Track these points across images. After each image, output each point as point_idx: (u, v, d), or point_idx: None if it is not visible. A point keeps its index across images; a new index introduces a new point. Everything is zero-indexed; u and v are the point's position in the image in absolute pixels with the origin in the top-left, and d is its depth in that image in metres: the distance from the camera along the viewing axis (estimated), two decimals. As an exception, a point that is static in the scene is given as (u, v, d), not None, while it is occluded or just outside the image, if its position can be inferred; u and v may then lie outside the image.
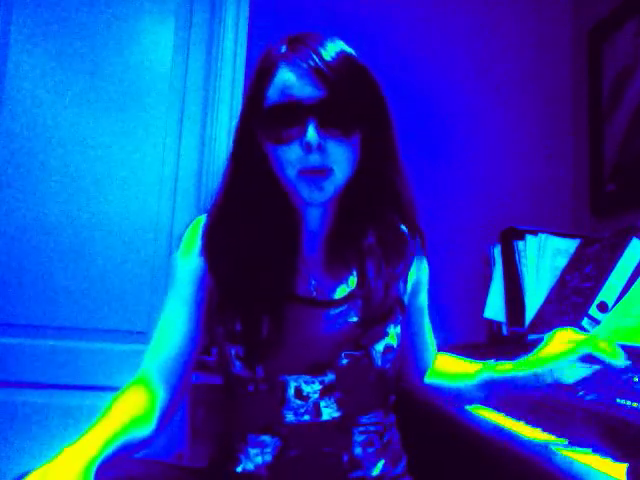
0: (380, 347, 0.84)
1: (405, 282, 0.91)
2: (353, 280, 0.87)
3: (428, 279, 1.01)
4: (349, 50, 0.82)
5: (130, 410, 0.77)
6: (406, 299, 0.92)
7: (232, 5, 1.74)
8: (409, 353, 0.98)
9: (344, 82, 0.78)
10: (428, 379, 0.99)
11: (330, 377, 0.82)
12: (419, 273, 0.96)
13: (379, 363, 0.84)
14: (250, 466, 0.83)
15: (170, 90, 1.76)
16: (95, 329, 1.64)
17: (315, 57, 0.78)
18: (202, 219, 0.91)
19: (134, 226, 1.70)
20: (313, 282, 0.87)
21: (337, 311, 0.84)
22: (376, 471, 0.85)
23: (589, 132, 1.81)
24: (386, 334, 0.85)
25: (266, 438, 0.82)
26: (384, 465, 0.86)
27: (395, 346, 0.86)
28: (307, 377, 0.81)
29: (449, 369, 0.96)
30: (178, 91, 1.77)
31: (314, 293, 0.86)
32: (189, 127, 1.76)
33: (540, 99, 1.91)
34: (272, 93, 0.80)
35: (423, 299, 0.99)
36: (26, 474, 0.62)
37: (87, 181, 1.68)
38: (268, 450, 0.82)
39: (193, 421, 1.22)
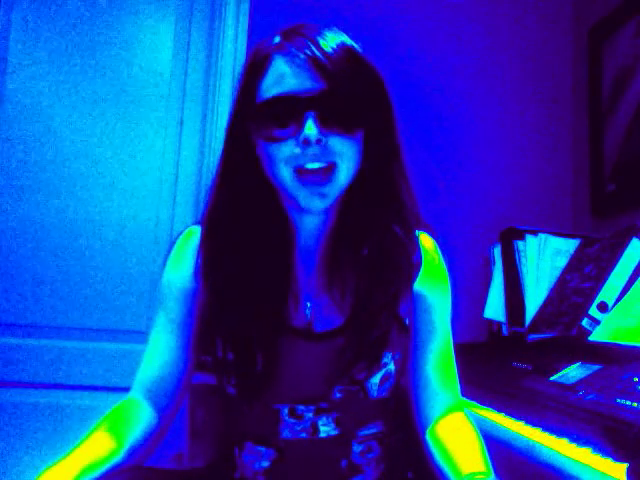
0: (376, 379, 0.78)
1: (407, 299, 0.83)
2: (348, 305, 0.80)
3: (446, 306, 0.86)
4: (350, 41, 0.75)
5: (119, 434, 0.74)
6: (408, 319, 0.83)
7: (232, 4, 1.74)
8: (411, 395, 0.86)
9: (345, 74, 0.71)
10: (428, 438, 0.81)
11: (323, 406, 0.79)
12: (425, 289, 0.85)
13: (375, 394, 0.79)
14: (248, 472, 0.82)
15: (170, 90, 1.76)
16: (95, 329, 1.64)
17: (313, 47, 0.71)
18: (193, 231, 0.85)
19: (134, 226, 1.70)
20: (308, 304, 0.81)
21: (331, 343, 0.79)
22: (376, 475, 0.83)
23: (589, 132, 1.81)
24: (384, 365, 0.79)
25: (261, 449, 0.81)
26: (385, 469, 0.85)
27: (394, 372, 0.80)
28: (300, 405, 0.79)
29: (447, 450, 0.76)
30: (178, 91, 1.77)
31: (309, 318, 0.80)
32: (189, 127, 1.76)
33: (540, 99, 1.91)
34: (266, 87, 0.73)
35: (434, 330, 0.85)
36: None
37: (87, 181, 1.68)
38: (265, 457, 0.81)
39: (193, 421, 1.22)
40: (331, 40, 0.73)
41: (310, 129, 0.69)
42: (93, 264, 1.66)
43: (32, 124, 1.66)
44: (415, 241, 0.83)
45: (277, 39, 0.75)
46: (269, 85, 0.73)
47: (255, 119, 0.74)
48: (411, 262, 0.81)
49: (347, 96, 0.71)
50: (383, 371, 0.79)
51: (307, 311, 0.81)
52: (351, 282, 0.80)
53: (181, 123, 1.76)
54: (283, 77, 0.72)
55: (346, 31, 0.79)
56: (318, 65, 0.70)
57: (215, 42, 1.75)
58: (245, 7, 1.75)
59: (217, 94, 1.71)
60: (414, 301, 0.84)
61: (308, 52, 0.71)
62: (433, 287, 0.85)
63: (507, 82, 1.89)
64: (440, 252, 0.91)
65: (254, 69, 0.75)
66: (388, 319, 0.80)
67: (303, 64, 0.71)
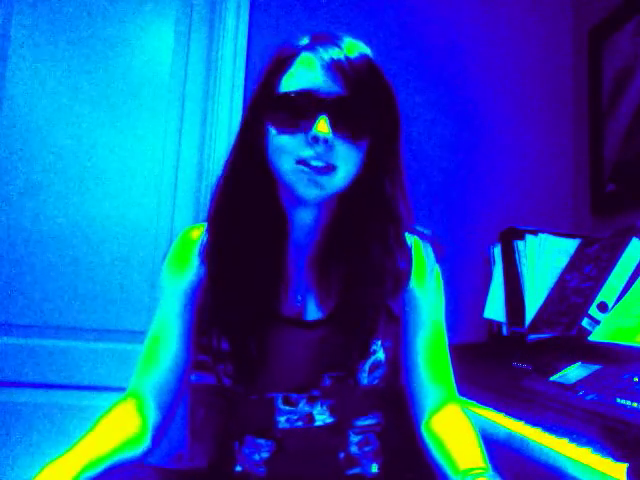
0: (366, 366, 0.81)
1: (397, 294, 0.85)
2: (336, 299, 0.83)
3: (438, 303, 0.90)
4: (369, 52, 0.79)
5: (120, 431, 0.75)
6: (398, 309, 0.86)
7: (232, 4, 1.74)
8: (406, 389, 0.88)
9: (363, 84, 0.75)
10: (424, 432, 0.84)
11: (315, 393, 0.81)
12: (418, 288, 0.87)
13: (365, 382, 0.82)
14: (248, 464, 0.83)
15: (170, 90, 1.76)
16: (95, 329, 1.64)
17: (339, 51, 0.75)
18: (191, 230, 0.89)
19: (134, 226, 1.70)
20: (299, 297, 0.84)
21: (320, 332, 0.81)
22: (374, 469, 0.85)
23: (589, 132, 1.81)
24: (372, 352, 0.81)
25: (261, 441, 0.82)
26: (383, 463, 0.86)
27: (384, 360, 0.83)
28: (293, 394, 0.81)
29: (444, 444, 0.78)
30: (178, 91, 1.77)
31: (299, 308, 0.83)
32: (189, 127, 1.76)
33: (540, 99, 1.91)
34: (287, 81, 0.77)
35: (427, 327, 0.87)
36: None
37: (87, 181, 1.68)
38: (265, 449, 0.82)
39: (193, 421, 1.22)
40: (355, 50, 0.77)
41: (321, 128, 0.73)
42: (93, 264, 1.66)
43: (31, 124, 1.66)
44: (406, 246, 0.86)
45: (306, 40, 0.79)
46: (291, 79, 0.76)
47: (272, 108, 0.77)
48: (399, 267, 0.84)
49: (361, 106, 0.75)
50: (372, 359, 0.82)
51: (297, 302, 0.84)
52: (340, 279, 0.83)
53: (181, 122, 1.76)
54: (306, 74, 0.75)
55: (343, 31, 0.82)
56: (341, 70, 0.74)
57: (215, 42, 1.75)
58: (245, 8, 1.75)
59: (217, 94, 1.71)
60: (403, 299, 0.87)
61: (334, 56, 0.75)
62: (421, 285, 0.88)
63: (507, 82, 1.89)
64: (432, 253, 0.92)
65: (279, 64, 0.79)
66: (375, 312, 0.82)
67: (327, 66, 0.75)
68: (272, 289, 0.82)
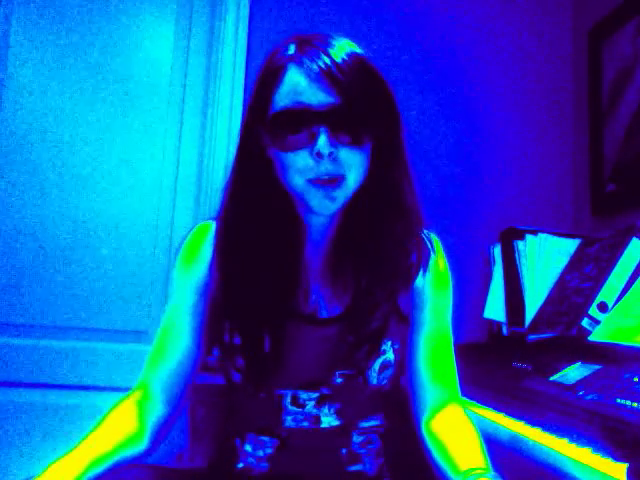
0: (376, 366, 0.82)
1: (407, 293, 0.86)
2: (349, 297, 0.84)
3: (446, 303, 0.90)
4: (359, 51, 0.77)
5: (126, 427, 0.76)
6: (408, 310, 0.87)
7: (232, 4, 1.74)
8: (407, 388, 0.90)
9: (356, 86, 0.73)
10: (424, 431, 0.85)
11: (325, 392, 0.82)
12: (427, 286, 0.88)
13: (374, 382, 0.82)
14: (251, 460, 0.83)
15: (170, 90, 1.76)
16: (95, 329, 1.64)
17: (326, 59, 0.73)
18: (204, 226, 0.89)
19: (134, 226, 1.70)
20: (314, 296, 0.85)
21: (333, 329, 0.82)
22: (375, 467, 0.85)
23: (589, 132, 1.81)
24: (382, 352, 0.82)
25: (265, 438, 0.83)
26: (384, 462, 0.87)
27: (393, 361, 0.83)
28: (302, 392, 0.82)
29: (444, 445, 0.79)
30: (178, 91, 1.77)
31: (313, 307, 0.84)
32: (189, 127, 1.76)
33: (540, 99, 1.91)
34: (280, 97, 0.75)
35: (432, 326, 0.88)
36: None
37: (87, 181, 1.68)
38: (268, 445, 0.83)
39: (193, 421, 1.22)
40: (342, 51, 0.75)
41: (323, 144, 0.71)
42: (93, 264, 1.66)
43: (32, 124, 1.66)
44: (416, 241, 0.86)
45: (292, 50, 0.76)
46: (283, 96, 0.74)
47: (269, 128, 0.76)
48: (410, 262, 0.85)
49: (359, 110, 0.73)
50: (382, 358, 0.82)
51: (312, 300, 0.84)
52: (354, 276, 0.84)
53: (181, 122, 1.76)
54: (297, 89, 0.73)
55: (344, 33, 0.80)
56: (332, 78, 0.72)
57: (215, 42, 1.75)
58: (245, 8, 1.75)
59: (217, 94, 1.71)
60: (412, 296, 0.88)
61: (322, 65, 0.72)
62: (429, 282, 0.88)
63: (507, 82, 1.89)
64: (443, 251, 0.93)
65: (268, 78, 0.77)
66: (386, 310, 0.83)
67: (317, 77, 0.72)
68: (289, 287, 0.82)
